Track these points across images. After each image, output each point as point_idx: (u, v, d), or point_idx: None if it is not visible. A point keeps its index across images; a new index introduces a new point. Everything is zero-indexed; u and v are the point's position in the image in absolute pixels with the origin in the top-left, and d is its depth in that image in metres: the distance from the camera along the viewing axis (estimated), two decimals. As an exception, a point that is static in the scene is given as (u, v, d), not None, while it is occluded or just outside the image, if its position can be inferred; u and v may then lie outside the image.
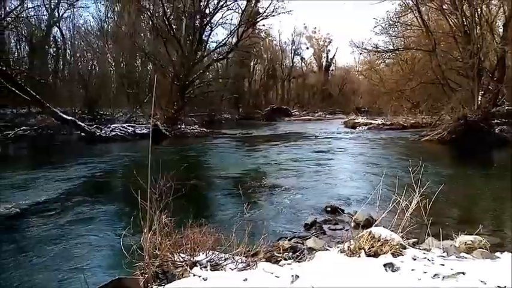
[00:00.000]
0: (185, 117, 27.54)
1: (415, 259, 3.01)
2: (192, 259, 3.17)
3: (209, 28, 29.00)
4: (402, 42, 27.57)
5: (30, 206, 7.72)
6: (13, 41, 27.81)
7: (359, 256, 3.12)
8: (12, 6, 25.07)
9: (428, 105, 26.84)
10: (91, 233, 6.27)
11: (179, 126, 24.96)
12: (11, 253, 5.40)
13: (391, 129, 27.83)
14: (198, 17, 27.42)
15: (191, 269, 3.03)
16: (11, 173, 11.51)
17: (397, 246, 3.14)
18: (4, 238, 5.94)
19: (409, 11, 23.89)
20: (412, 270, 2.80)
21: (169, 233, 3.36)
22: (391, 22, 24.97)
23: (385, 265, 2.87)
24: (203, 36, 28.47)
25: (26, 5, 25.47)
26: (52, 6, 27.75)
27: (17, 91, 19.72)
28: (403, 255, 3.08)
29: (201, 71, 27.99)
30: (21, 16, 25.39)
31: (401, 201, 3.68)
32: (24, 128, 21.77)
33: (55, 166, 12.95)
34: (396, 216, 3.70)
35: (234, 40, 30.44)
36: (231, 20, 32.38)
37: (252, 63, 49.94)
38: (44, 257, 5.21)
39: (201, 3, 26.76)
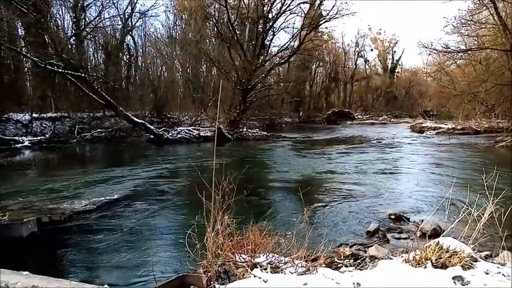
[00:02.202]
0: (247, 120, 28.01)
1: (487, 273, 2.81)
2: (252, 260, 3.22)
3: (272, 32, 29.31)
4: (475, 42, 25.71)
5: (104, 203, 8.32)
6: (91, 49, 30.24)
7: (425, 267, 2.98)
8: (91, 17, 27.29)
9: (504, 108, 24.85)
10: (159, 229, 6.64)
11: (241, 130, 25.45)
12: (87, 245, 5.87)
13: (463, 134, 26.06)
14: (261, 22, 27.79)
15: (252, 270, 3.08)
16: (87, 171, 12.52)
17: (468, 259, 2.94)
18: (81, 231, 6.47)
19: (484, 8, 22.27)
20: (484, 284, 2.62)
21: (231, 234, 3.45)
22: (463, 21, 23.45)
23: (453, 278, 2.71)
24: (265, 40, 28.79)
25: (102, 16, 27.58)
26: (126, 16, 29.67)
27: (93, 96, 21.39)
28: (474, 268, 2.88)
29: (263, 75, 28.30)
30: (99, 26, 27.52)
31: (472, 210, 3.44)
32: (99, 130, 23.60)
33: (127, 166, 13.86)
34: (467, 227, 3.46)
35: (296, 44, 30.42)
36: (294, 23, 32.52)
37: (313, 66, 49.53)
38: (117, 250, 5.61)
39: (265, 8, 27.09)
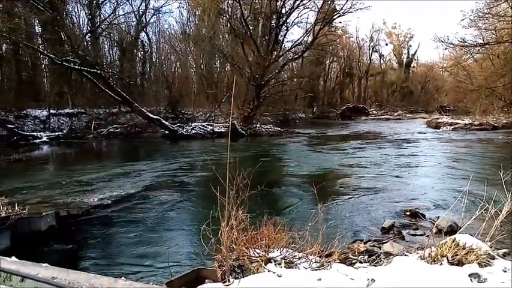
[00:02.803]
0: (260, 116, 28.00)
1: (505, 271, 2.75)
2: (266, 255, 3.23)
3: (285, 28, 29.16)
4: (493, 35, 25.12)
5: (120, 197, 8.45)
6: (106, 46, 30.60)
7: (441, 264, 2.94)
8: (106, 14, 27.60)
9: (523, 103, 24.30)
10: (174, 223, 6.73)
11: (254, 125, 25.48)
12: (104, 238, 5.98)
13: (480, 130, 25.52)
14: (274, 17, 27.68)
15: (266, 265, 3.09)
16: (103, 166, 12.71)
17: (485, 256, 2.89)
18: (98, 226, 6.59)
19: (503, 0, 21.75)
20: (502, 282, 2.57)
21: (245, 229, 3.47)
22: (481, 14, 22.98)
23: (470, 275, 2.67)
24: (279, 36, 28.67)
25: (117, 13, 27.87)
26: (140, 12, 29.90)
27: (109, 92, 21.65)
28: (491, 266, 2.83)
29: (277, 70, 28.20)
30: (114, 23, 27.81)
31: (490, 207, 3.38)
32: (115, 125, 23.92)
33: (143, 161, 14.04)
34: (484, 224, 3.41)
35: (310, 39, 30.21)
36: (307, 18, 32.27)
37: (327, 62, 49.11)
38: (133, 243, 5.71)
39: (278, 3, 26.95)
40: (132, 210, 7.54)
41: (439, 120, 30.99)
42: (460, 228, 3.86)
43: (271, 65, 26.60)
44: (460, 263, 2.89)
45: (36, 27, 24.63)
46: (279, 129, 25.98)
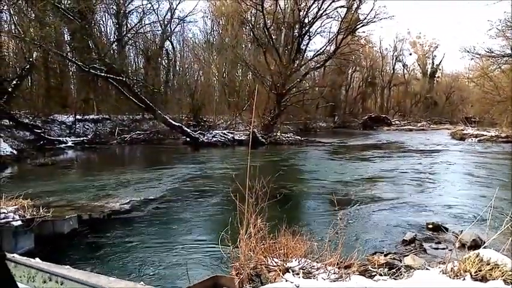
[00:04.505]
0: (281, 125, 27.98)
1: (533, 289, 2.66)
2: (284, 265, 3.22)
3: (307, 37, 29.12)
4: (523, 45, 24.49)
5: (141, 203, 8.58)
6: (132, 54, 31.37)
7: (463, 279, 2.85)
8: (133, 23, 28.32)
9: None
10: (193, 230, 6.77)
11: (275, 134, 25.47)
12: (124, 242, 6.07)
13: (507, 142, 24.70)
14: (297, 26, 27.74)
15: (283, 274, 3.07)
16: (126, 172, 12.93)
17: (510, 273, 2.79)
18: (118, 230, 6.70)
19: (534, 9, 21.19)
20: (529, 301, 2.48)
21: (263, 237, 3.46)
22: (509, 23, 22.42)
23: (494, 292, 2.59)
24: (301, 45, 28.68)
25: (143, 22, 28.56)
26: (165, 22, 30.51)
27: (134, 99, 22.10)
28: (517, 283, 2.74)
29: (298, 79, 28.18)
30: (140, 32, 28.49)
31: (516, 222, 3.27)
32: (138, 132, 24.37)
33: (165, 167, 14.21)
34: (510, 239, 3.30)
35: (332, 48, 30.09)
36: (330, 28, 32.16)
37: (350, 71, 48.75)
38: (153, 248, 5.78)
39: (301, 13, 27.01)
40: (152, 215, 7.64)
41: (464, 132, 30.24)
42: (485, 243, 3.74)
43: (292, 74, 26.61)
44: (484, 279, 2.80)
45: (66, 35, 25.50)
46: (299, 138, 25.88)
